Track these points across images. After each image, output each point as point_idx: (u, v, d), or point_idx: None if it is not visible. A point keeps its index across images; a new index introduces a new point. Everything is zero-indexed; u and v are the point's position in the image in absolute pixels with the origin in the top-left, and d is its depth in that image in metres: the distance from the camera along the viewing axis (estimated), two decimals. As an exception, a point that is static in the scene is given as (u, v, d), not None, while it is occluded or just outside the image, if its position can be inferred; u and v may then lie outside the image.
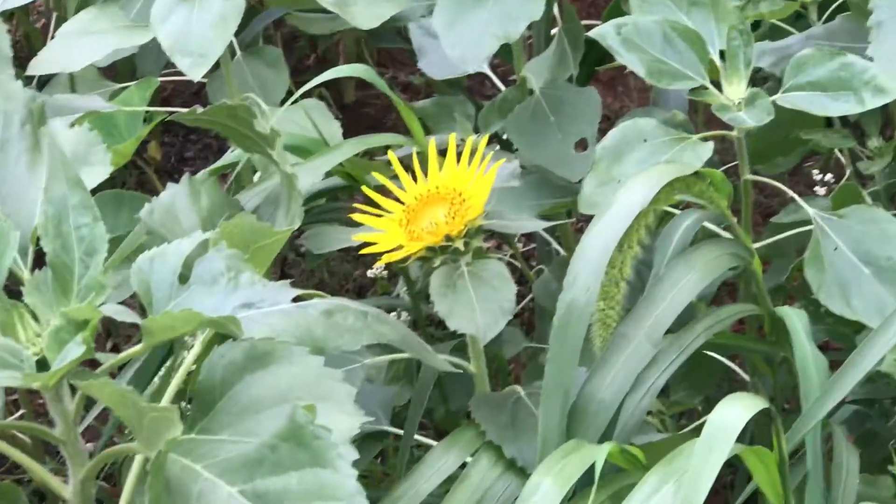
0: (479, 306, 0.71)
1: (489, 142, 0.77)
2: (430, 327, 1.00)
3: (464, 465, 0.75)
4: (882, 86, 0.75)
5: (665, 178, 0.70)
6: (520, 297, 1.12)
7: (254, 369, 0.57)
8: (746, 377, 0.91)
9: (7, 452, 0.62)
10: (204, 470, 0.54)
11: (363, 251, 0.75)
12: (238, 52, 1.09)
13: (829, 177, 1.07)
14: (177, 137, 1.44)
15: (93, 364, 0.61)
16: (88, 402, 0.77)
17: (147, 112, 1.02)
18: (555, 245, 1.00)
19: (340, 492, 0.51)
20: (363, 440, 0.79)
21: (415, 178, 0.75)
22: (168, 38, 0.87)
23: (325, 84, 0.99)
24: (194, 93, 1.37)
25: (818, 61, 0.77)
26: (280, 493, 0.52)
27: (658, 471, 0.60)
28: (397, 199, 0.75)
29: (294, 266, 1.28)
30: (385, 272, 1.13)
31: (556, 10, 1.02)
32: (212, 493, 0.53)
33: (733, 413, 0.59)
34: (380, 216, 0.75)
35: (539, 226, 0.82)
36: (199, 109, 0.81)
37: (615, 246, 0.68)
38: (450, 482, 0.74)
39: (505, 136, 0.95)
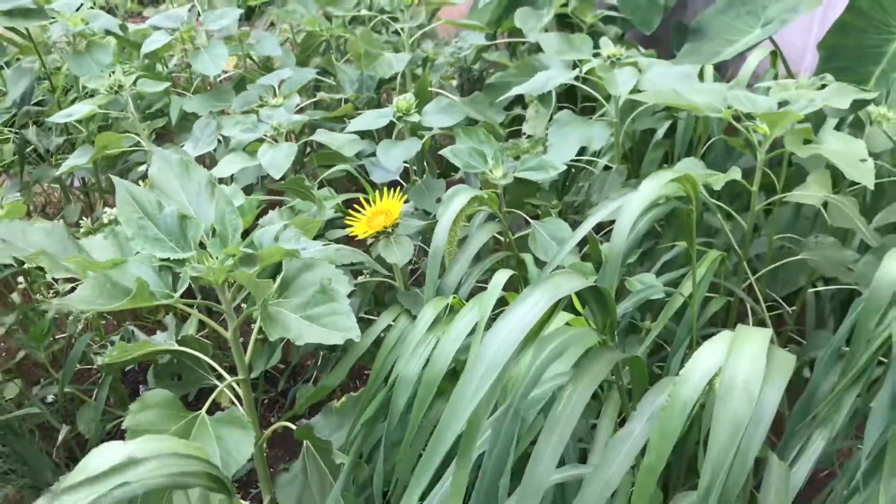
0: (398, 251, 2.13)
1: (406, 201, 2.32)
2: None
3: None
4: (556, 167, 2.31)
5: (469, 197, 2.09)
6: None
7: (306, 269, 1.74)
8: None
9: (193, 314, 2.03)
10: (285, 310, 1.68)
11: (350, 233, 2.21)
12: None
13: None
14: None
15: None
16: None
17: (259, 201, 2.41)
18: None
19: (341, 310, 1.65)
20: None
21: (371, 205, 2.20)
22: (264, 161, 2.47)
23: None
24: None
25: (532, 158, 2.32)
26: (316, 314, 1.65)
27: (471, 303, 1.77)
28: (363, 213, 2.21)
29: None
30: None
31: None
32: (287, 318, 1.65)
33: (502, 276, 1.74)
34: (357, 219, 2.18)
35: (420, 224, 2.28)
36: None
37: (451, 224, 2.08)
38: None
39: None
